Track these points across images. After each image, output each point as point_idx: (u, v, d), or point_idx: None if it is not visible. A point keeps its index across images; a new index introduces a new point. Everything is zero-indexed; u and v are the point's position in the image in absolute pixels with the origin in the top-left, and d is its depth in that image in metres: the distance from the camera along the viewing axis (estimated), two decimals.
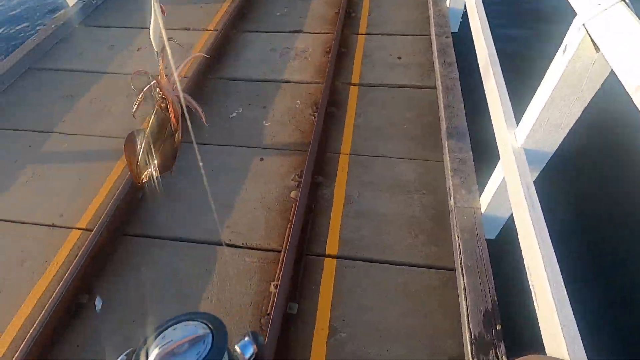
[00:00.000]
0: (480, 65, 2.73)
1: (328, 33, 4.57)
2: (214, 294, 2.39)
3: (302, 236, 2.58)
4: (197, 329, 0.35)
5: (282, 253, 2.54)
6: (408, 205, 2.78)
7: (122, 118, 3.63)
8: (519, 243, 1.78)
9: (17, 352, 2.08)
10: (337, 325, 2.22)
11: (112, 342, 2.20)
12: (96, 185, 3.05)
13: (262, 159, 3.19)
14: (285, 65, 4.14)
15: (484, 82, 2.60)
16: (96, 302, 2.37)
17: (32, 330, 2.19)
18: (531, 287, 1.61)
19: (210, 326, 0.36)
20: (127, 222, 2.77)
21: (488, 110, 2.77)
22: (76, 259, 2.49)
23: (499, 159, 2.22)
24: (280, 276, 2.34)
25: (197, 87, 3.82)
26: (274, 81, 3.95)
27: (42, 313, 2.26)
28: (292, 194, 2.90)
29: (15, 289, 2.48)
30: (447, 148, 3.01)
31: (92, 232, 2.60)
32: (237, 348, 0.39)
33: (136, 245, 2.65)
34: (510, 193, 1.93)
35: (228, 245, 2.62)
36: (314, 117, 3.50)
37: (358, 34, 4.57)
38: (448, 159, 2.92)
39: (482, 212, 2.55)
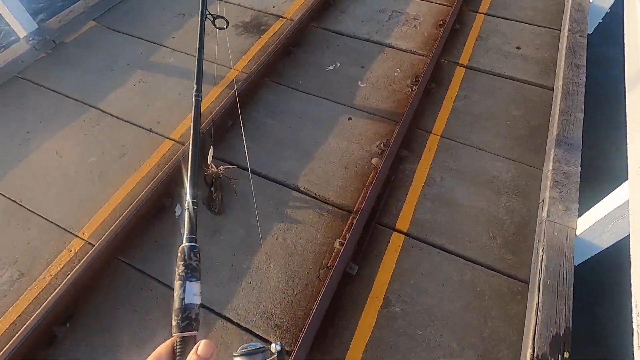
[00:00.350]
0: (627, 74, 2.37)
1: (445, 5, 4.23)
2: (280, 232, 2.46)
3: (376, 204, 2.54)
4: (256, 344, 0.66)
5: (352, 214, 2.53)
6: (493, 204, 2.60)
7: (223, 46, 3.71)
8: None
9: (103, 238, 2.33)
10: (392, 298, 2.20)
11: None
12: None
13: (350, 118, 3.13)
14: (392, 30, 3.93)
15: (627, 93, 2.27)
16: (176, 209, 2.56)
17: (120, 218, 2.43)
18: (634, 326, 1.45)
19: (261, 343, 0.69)
20: (214, 146, 2.90)
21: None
22: (166, 167, 2.68)
23: (625, 181, 1.96)
24: (347, 235, 2.34)
25: (299, 33, 3.77)
26: (377, 43, 3.78)
27: (130, 207, 2.48)
28: (373, 161, 2.84)
29: (111, 180, 2.74)
30: (552, 156, 2.73)
31: (184, 146, 2.76)
32: (272, 345, 0.66)
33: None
34: (633, 221, 1.71)
35: (302, 192, 2.65)
36: (412, 90, 3.33)
37: (477, 12, 4.18)
38: (550, 168, 2.66)
39: (577, 233, 2.31)
